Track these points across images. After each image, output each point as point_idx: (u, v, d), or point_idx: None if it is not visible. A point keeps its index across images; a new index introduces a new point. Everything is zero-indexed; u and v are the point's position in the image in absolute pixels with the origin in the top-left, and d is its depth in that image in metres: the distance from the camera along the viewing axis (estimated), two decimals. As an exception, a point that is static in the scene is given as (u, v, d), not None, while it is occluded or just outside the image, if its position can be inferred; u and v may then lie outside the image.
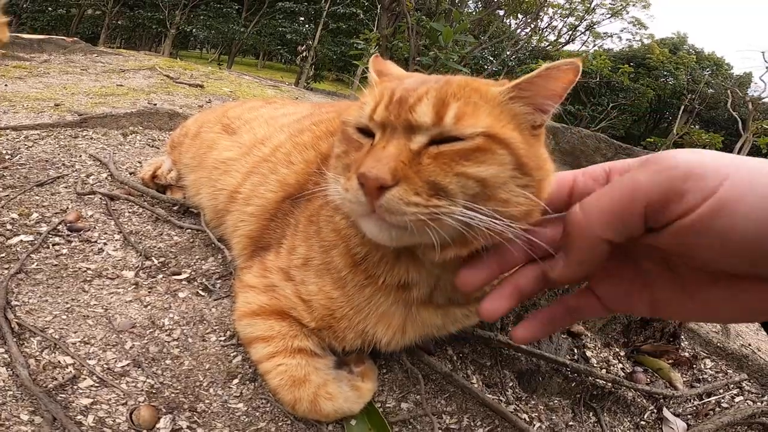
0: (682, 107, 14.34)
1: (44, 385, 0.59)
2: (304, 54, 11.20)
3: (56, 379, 0.61)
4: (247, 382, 0.69)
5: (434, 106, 0.45)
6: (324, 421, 0.63)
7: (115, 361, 0.66)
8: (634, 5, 14.53)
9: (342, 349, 0.68)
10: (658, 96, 17.38)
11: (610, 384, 0.87)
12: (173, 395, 0.63)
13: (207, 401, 0.64)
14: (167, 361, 0.69)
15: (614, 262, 0.40)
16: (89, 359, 0.65)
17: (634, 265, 0.41)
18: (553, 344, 0.86)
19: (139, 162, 1.41)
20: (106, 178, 1.24)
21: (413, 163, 0.43)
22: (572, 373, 0.85)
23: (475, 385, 0.78)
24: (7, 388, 0.59)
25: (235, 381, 0.69)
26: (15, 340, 0.65)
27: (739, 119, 12.58)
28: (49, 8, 15.91)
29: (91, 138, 1.58)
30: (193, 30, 15.39)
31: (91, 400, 0.59)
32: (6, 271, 0.79)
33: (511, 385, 0.81)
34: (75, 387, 0.60)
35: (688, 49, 19.36)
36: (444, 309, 0.60)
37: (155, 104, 2.33)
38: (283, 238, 0.69)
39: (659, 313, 0.40)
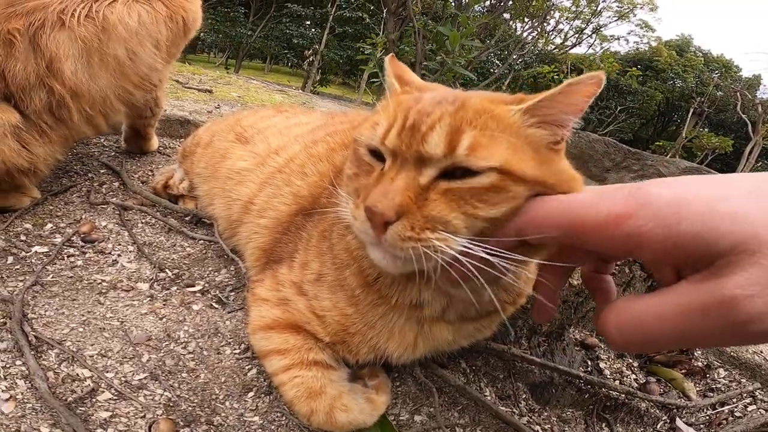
0: (691, 110, 14.23)
1: (64, 398, 0.60)
2: (310, 58, 11.27)
3: (75, 392, 0.62)
4: (263, 396, 0.69)
5: (447, 134, 0.44)
6: None
7: (133, 374, 0.67)
8: (641, 8, 14.47)
9: (355, 362, 0.68)
10: (667, 99, 17.27)
11: (623, 395, 0.87)
12: (190, 408, 0.64)
13: (223, 414, 0.64)
14: (183, 374, 0.69)
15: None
16: (107, 372, 0.66)
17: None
18: (567, 356, 0.86)
19: (151, 170, 1.42)
20: (119, 186, 1.25)
21: (420, 198, 0.43)
22: (586, 385, 0.84)
23: (488, 398, 0.78)
24: (26, 400, 0.60)
25: (251, 394, 0.69)
26: (33, 353, 0.66)
27: (748, 122, 12.47)
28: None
29: (103, 145, 1.59)
30: (201, 34, 15.56)
31: (111, 414, 0.60)
32: (22, 284, 0.80)
33: (524, 397, 0.81)
34: (94, 400, 0.61)
35: (695, 50, 19.22)
36: (455, 325, 0.60)
37: (165, 110, 2.35)
38: (295, 252, 0.69)
39: None
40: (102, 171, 1.34)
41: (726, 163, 15.06)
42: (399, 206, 0.42)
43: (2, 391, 0.61)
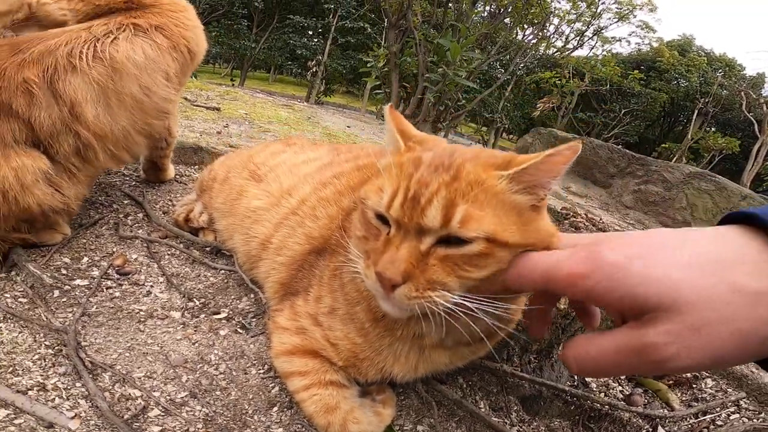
0: (696, 110, 14.20)
1: (121, 415, 0.71)
2: (314, 69, 11.46)
3: (130, 410, 0.73)
4: (285, 410, 0.80)
5: (443, 208, 0.52)
6: None
7: (176, 393, 0.78)
8: (640, 9, 14.53)
9: (365, 381, 0.79)
10: (671, 99, 17.24)
11: (606, 407, 0.96)
12: (225, 422, 0.75)
13: (253, 427, 0.75)
14: (217, 392, 0.80)
15: None
16: (154, 391, 0.77)
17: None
18: (555, 372, 0.96)
19: (170, 200, 1.53)
20: (143, 218, 1.36)
21: (421, 263, 0.53)
22: (571, 398, 0.94)
23: (483, 410, 0.88)
24: (89, 418, 0.71)
25: (275, 409, 0.80)
26: (90, 376, 0.78)
27: (754, 121, 12.41)
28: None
29: (124, 174, 1.70)
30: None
31: (161, 428, 0.71)
32: (71, 315, 0.92)
33: (515, 409, 0.91)
34: (146, 416, 0.72)
35: (697, 50, 19.20)
36: (452, 349, 0.70)
37: (177, 138, 2.46)
38: (310, 287, 0.80)
39: None
40: (125, 202, 1.44)
41: (735, 162, 14.98)
42: (404, 273, 0.52)
43: (67, 410, 0.72)
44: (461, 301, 0.53)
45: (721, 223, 0.46)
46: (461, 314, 0.54)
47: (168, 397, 0.77)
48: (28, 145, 0.96)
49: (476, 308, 0.53)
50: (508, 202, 0.54)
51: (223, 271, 1.14)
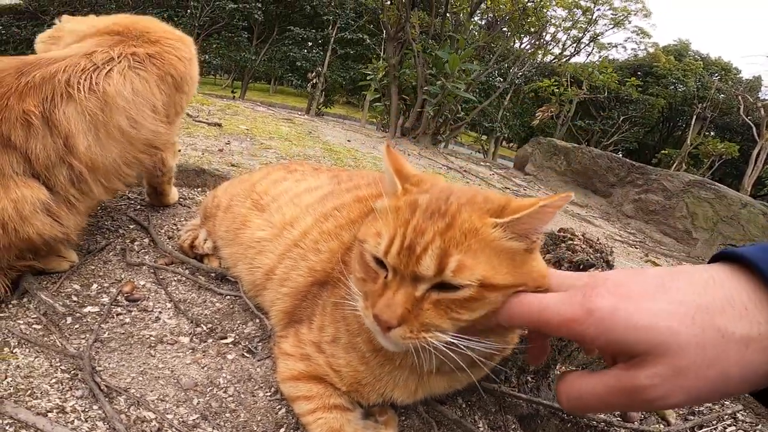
0: (695, 115, 14.26)
1: (136, 440, 0.75)
2: (314, 80, 11.58)
3: (145, 433, 0.76)
4: (292, 431, 0.83)
5: (437, 257, 0.54)
6: None
7: (188, 415, 0.82)
8: (635, 14, 14.67)
9: (367, 404, 0.82)
10: (669, 104, 17.33)
11: (602, 424, 0.99)
12: (234, 446, 0.78)
13: (261, 450, 0.79)
14: (227, 415, 0.84)
15: None
16: (167, 414, 0.81)
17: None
18: (552, 392, 0.99)
19: (175, 224, 1.57)
20: (149, 243, 1.40)
21: (415, 307, 0.56)
22: (568, 416, 0.97)
23: (481, 429, 0.91)
24: (106, 443, 0.75)
25: (282, 430, 0.83)
26: (106, 399, 0.81)
27: (752, 125, 12.44)
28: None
29: (129, 198, 1.74)
30: (206, 57, 16.00)
31: (174, 453, 0.74)
32: (84, 341, 0.95)
33: (513, 427, 0.94)
34: (160, 440, 0.76)
35: (693, 55, 19.33)
36: (449, 375, 0.74)
37: (175, 169, 2.46)
38: (313, 316, 0.84)
39: None
40: (131, 227, 1.46)
41: (735, 167, 15.00)
42: (400, 317, 0.56)
43: (86, 431, 0.76)
44: (452, 341, 0.57)
45: (713, 260, 0.48)
46: (452, 352, 0.57)
47: (181, 420, 0.80)
48: (27, 176, 0.97)
49: (466, 346, 0.57)
50: (502, 248, 0.56)
51: (228, 297, 1.18)
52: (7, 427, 0.72)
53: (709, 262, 0.48)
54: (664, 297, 0.45)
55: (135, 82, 1.13)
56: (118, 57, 1.12)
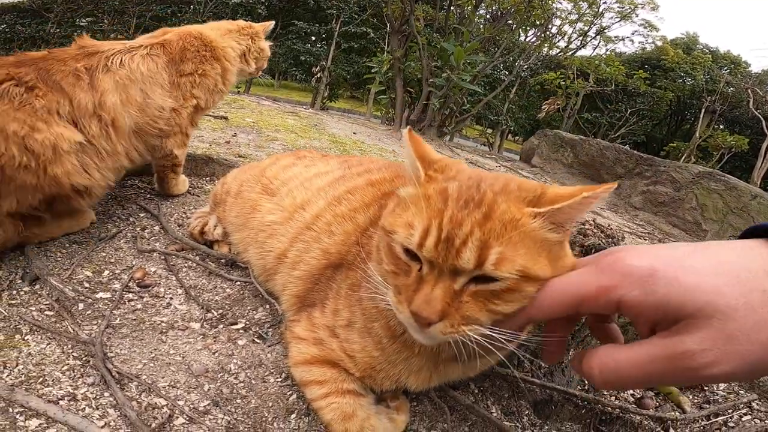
0: (704, 108, 14.08)
1: (149, 424, 0.75)
2: (318, 75, 11.54)
3: (156, 419, 0.76)
4: (303, 416, 0.83)
5: (477, 249, 0.52)
6: None
7: (199, 402, 0.81)
8: (642, 7, 14.47)
9: (380, 390, 0.81)
10: (678, 97, 17.12)
11: (617, 410, 0.98)
12: (246, 429, 0.78)
13: (273, 434, 0.78)
14: (238, 401, 0.83)
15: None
16: (178, 400, 0.80)
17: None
18: (566, 377, 0.98)
19: (184, 212, 1.57)
20: (159, 231, 1.40)
21: (455, 301, 0.54)
22: (582, 402, 0.96)
23: (495, 414, 0.90)
24: (118, 427, 0.74)
25: (293, 416, 0.83)
26: (118, 386, 0.81)
27: (762, 118, 12.28)
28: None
29: (138, 187, 1.75)
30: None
31: (186, 437, 0.74)
32: (96, 327, 0.95)
33: (526, 413, 0.93)
34: (172, 425, 0.75)
35: (702, 48, 19.07)
36: (466, 362, 0.73)
37: (182, 162, 2.49)
38: (327, 299, 0.83)
39: None
40: (141, 215, 1.48)
41: (745, 160, 14.82)
42: (440, 312, 0.54)
43: (97, 419, 0.75)
44: (490, 333, 0.55)
45: (742, 236, 0.46)
46: (488, 344, 0.56)
47: (192, 406, 0.80)
48: (68, 120, 1.12)
49: (502, 339, 0.55)
50: (540, 239, 0.54)
51: (238, 283, 1.17)
52: (17, 416, 0.72)
53: (738, 239, 0.46)
54: (703, 260, 0.42)
55: (150, 65, 1.34)
56: (141, 46, 1.36)
